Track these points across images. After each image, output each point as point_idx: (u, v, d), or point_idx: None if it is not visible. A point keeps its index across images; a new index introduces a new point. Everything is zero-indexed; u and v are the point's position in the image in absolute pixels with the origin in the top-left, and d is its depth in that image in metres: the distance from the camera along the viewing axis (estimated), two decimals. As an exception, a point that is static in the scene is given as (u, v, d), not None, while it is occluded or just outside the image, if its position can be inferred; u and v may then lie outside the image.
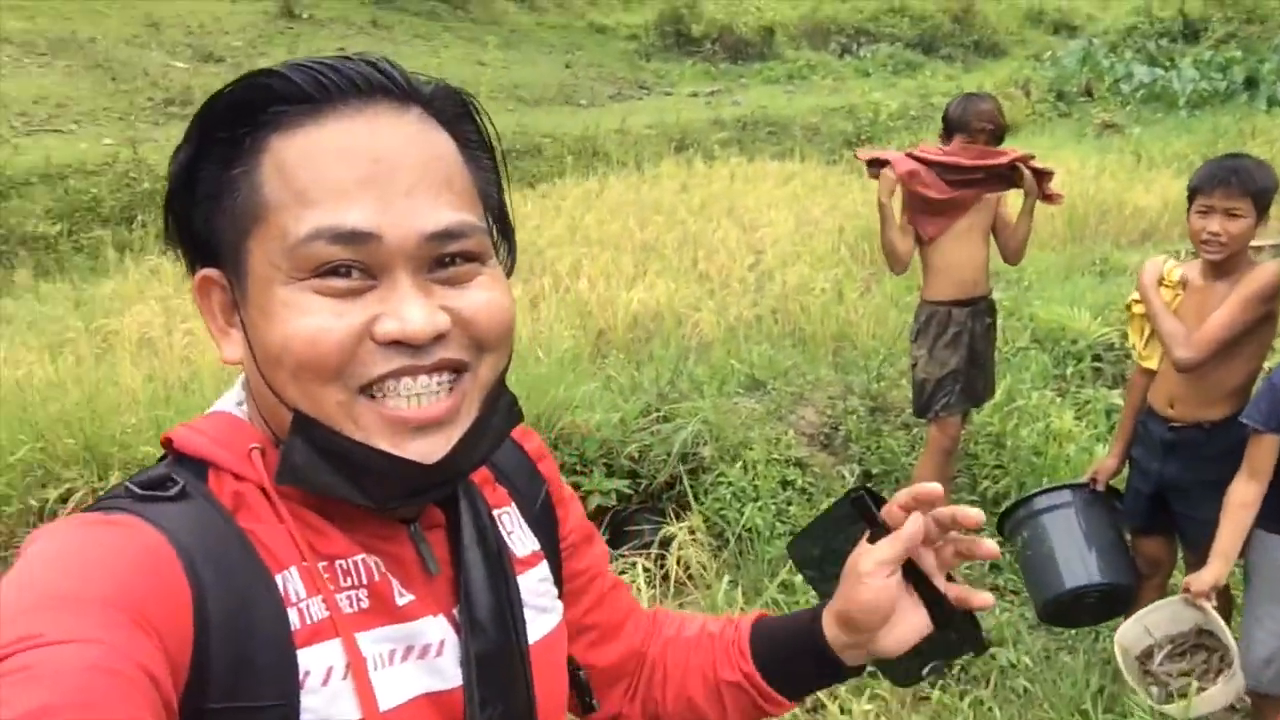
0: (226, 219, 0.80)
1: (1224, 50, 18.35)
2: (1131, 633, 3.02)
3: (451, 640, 0.86)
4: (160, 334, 6.00)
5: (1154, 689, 2.95)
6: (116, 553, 0.72)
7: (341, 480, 0.79)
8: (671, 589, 3.49)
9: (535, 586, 0.98)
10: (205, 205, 0.81)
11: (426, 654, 0.84)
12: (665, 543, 3.85)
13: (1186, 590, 2.85)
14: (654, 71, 21.27)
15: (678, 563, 3.49)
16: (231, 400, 0.89)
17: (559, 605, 1.01)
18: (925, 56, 22.01)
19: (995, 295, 4.46)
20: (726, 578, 3.48)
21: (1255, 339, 3.04)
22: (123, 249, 9.22)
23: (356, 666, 0.78)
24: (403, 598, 0.84)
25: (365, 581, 0.83)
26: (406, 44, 19.21)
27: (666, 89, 19.52)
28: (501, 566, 0.93)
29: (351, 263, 0.76)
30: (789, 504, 4.35)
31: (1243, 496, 2.81)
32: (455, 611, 0.88)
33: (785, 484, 4.43)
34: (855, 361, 5.54)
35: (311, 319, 0.76)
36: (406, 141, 0.79)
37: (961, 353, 4.17)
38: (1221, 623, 2.84)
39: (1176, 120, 14.78)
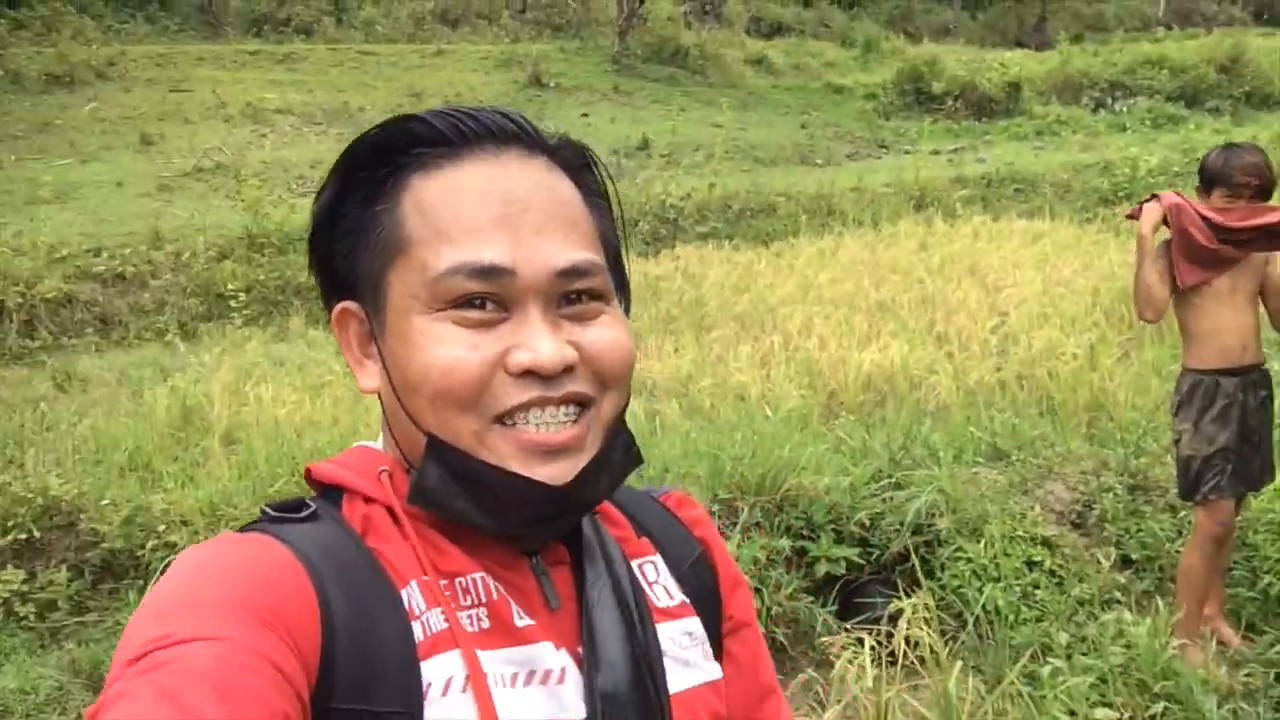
0: (368, 253, 0.86)
1: None
2: None
3: (573, 672, 0.85)
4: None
5: None
6: (247, 564, 0.77)
7: (471, 504, 0.82)
8: (900, 671, 3.27)
9: (678, 638, 0.95)
10: (347, 240, 0.88)
11: (548, 680, 0.84)
12: (895, 618, 3.64)
13: None
14: (893, 130, 20.92)
15: (906, 642, 3.27)
16: (378, 441, 0.95)
17: (711, 665, 0.97)
18: (1188, 110, 20.54)
19: (1275, 366, 3.99)
20: (959, 663, 3.23)
21: None
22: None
23: (476, 679, 0.79)
24: (522, 620, 0.85)
25: (484, 600, 0.84)
26: (645, 109, 19.81)
27: (906, 147, 19.14)
28: (637, 612, 0.91)
29: (486, 295, 0.81)
30: (1035, 587, 4.03)
31: None
32: (579, 649, 0.87)
33: (1031, 564, 4.11)
34: (1112, 434, 5.12)
35: (448, 349, 0.80)
36: (536, 185, 0.85)
37: (1232, 428, 3.75)
38: None
39: None
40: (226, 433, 5.75)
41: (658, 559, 0.99)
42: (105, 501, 4.67)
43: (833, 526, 4.35)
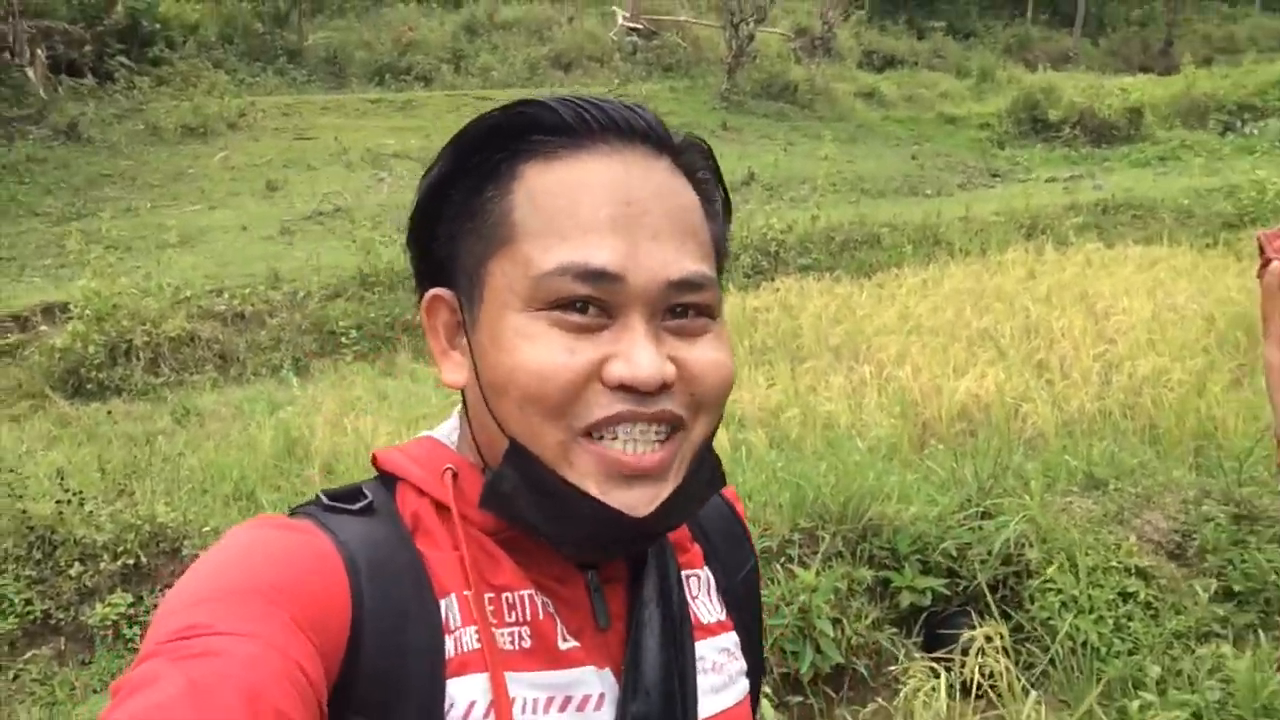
0: (470, 239, 0.81)
1: None
2: None
3: (612, 697, 0.83)
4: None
5: None
6: (286, 554, 0.75)
7: (542, 518, 0.78)
8: (972, 702, 3.16)
9: (715, 656, 0.92)
10: (450, 224, 0.83)
11: (585, 706, 0.81)
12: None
13: None
14: (1007, 159, 20.49)
15: (984, 673, 3.16)
16: (444, 429, 0.91)
17: (742, 684, 0.94)
18: (1327, 130, 19.56)
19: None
20: (1034, 694, 3.10)
21: None
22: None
23: (500, 706, 0.76)
24: (566, 642, 0.82)
25: (529, 618, 0.81)
26: (752, 144, 19.83)
27: (1020, 176, 18.70)
28: (681, 632, 0.88)
29: (590, 299, 0.76)
30: (1128, 619, 3.85)
31: None
32: (623, 669, 0.84)
33: (1125, 596, 3.94)
34: (1218, 463, 4.87)
35: (544, 352, 0.75)
36: (658, 188, 0.79)
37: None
38: None
39: None
40: (326, 463, 5.94)
41: (703, 572, 0.96)
42: (207, 528, 4.87)
43: (918, 557, 4.24)
